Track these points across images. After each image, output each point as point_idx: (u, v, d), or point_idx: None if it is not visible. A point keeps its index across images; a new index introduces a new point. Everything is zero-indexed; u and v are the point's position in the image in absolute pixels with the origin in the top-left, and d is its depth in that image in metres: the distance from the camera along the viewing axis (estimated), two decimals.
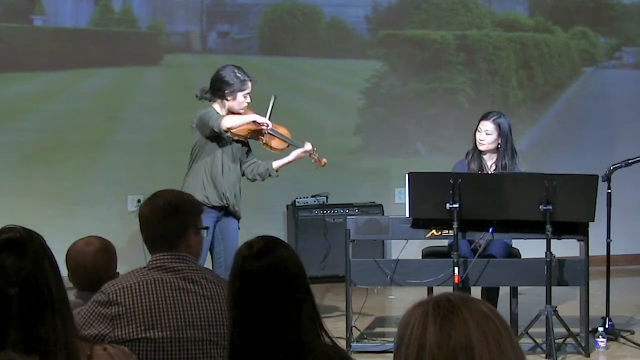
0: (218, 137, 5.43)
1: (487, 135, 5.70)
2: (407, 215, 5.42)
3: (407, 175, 5.37)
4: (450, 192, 5.24)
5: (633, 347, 5.57)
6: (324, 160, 5.76)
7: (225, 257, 5.47)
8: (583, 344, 5.36)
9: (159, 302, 2.91)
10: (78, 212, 7.46)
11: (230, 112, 5.47)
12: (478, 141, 5.73)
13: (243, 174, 5.65)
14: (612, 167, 5.84)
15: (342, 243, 5.66)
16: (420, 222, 5.46)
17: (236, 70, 5.49)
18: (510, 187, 5.32)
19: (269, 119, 5.54)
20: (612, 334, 5.70)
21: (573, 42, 8.52)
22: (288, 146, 5.67)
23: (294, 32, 8.08)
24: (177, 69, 7.89)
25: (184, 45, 7.94)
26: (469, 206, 5.26)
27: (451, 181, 5.26)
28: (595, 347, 5.47)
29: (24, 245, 2.14)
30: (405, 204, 5.42)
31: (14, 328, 2.07)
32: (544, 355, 5.30)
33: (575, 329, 5.41)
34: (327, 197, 7.64)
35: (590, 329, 5.44)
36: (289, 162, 5.66)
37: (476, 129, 5.75)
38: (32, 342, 2.07)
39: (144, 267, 3.03)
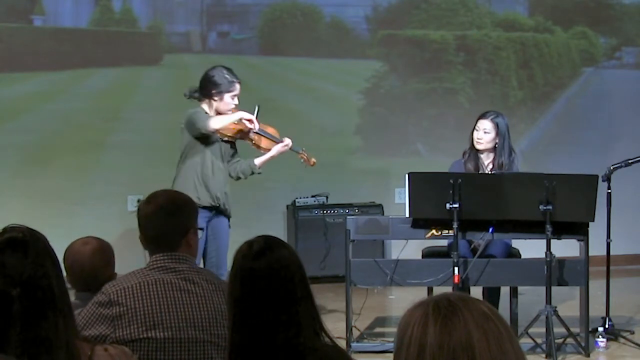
0: (207, 138, 5.45)
1: (485, 134, 5.70)
2: (407, 215, 5.42)
3: (407, 175, 5.37)
4: (450, 192, 5.24)
5: (633, 347, 5.57)
6: (313, 159, 5.80)
7: (217, 256, 5.48)
8: (583, 344, 5.36)
9: (160, 303, 2.91)
10: (78, 212, 7.46)
11: (218, 113, 5.49)
12: (476, 140, 5.73)
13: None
14: (612, 167, 5.84)
15: (342, 243, 5.66)
16: (420, 222, 5.46)
17: (225, 72, 5.50)
18: (510, 187, 5.32)
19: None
20: (612, 334, 5.70)
21: (573, 42, 8.52)
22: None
23: (294, 32, 8.08)
24: (177, 69, 7.88)
25: (184, 45, 7.94)
26: (469, 206, 5.26)
27: (451, 181, 5.26)
28: (595, 347, 5.47)
29: (27, 245, 2.14)
30: (405, 204, 5.42)
31: (15, 328, 2.07)
32: (544, 355, 5.30)
33: (575, 329, 5.41)
34: (327, 197, 7.64)
35: (590, 329, 5.44)
36: (271, 158, 5.65)
37: (474, 128, 5.76)
38: (33, 342, 2.07)
39: (145, 268, 3.03)
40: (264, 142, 5.64)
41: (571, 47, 8.52)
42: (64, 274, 3.33)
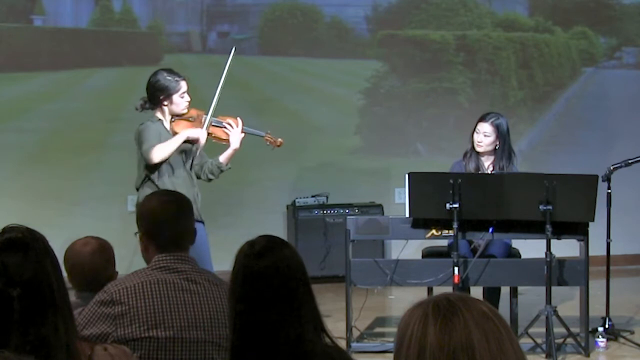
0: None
1: (485, 137, 5.69)
2: (407, 215, 5.42)
3: (407, 175, 5.37)
4: (450, 192, 5.24)
5: (633, 347, 5.57)
6: (280, 140, 5.59)
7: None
8: (583, 344, 5.37)
9: (162, 302, 2.92)
10: (78, 212, 7.46)
11: (174, 115, 5.37)
12: (476, 143, 5.72)
13: (198, 177, 5.50)
14: (612, 167, 5.84)
15: (342, 243, 5.66)
16: (420, 222, 5.46)
17: (166, 74, 5.40)
18: (510, 187, 5.32)
19: (210, 117, 5.40)
20: (612, 334, 5.70)
21: (573, 42, 8.52)
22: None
23: (294, 32, 8.08)
24: (177, 69, 7.85)
25: (184, 45, 7.94)
26: (469, 206, 5.26)
27: (451, 181, 5.26)
28: (595, 347, 5.47)
29: (27, 245, 2.14)
30: (405, 204, 5.42)
31: (15, 328, 2.07)
32: (544, 355, 5.30)
33: (575, 329, 5.41)
34: (327, 197, 7.64)
35: (590, 329, 5.44)
36: (235, 151, 5.45)
37: (474, 130, 5.75)
38: (33, 342, 2.06)
39: (147, 268, 3.04)
40: (223, 134, 5.47)
41: (571, 47, 8.52)
42: (65, 274, 3.35)
